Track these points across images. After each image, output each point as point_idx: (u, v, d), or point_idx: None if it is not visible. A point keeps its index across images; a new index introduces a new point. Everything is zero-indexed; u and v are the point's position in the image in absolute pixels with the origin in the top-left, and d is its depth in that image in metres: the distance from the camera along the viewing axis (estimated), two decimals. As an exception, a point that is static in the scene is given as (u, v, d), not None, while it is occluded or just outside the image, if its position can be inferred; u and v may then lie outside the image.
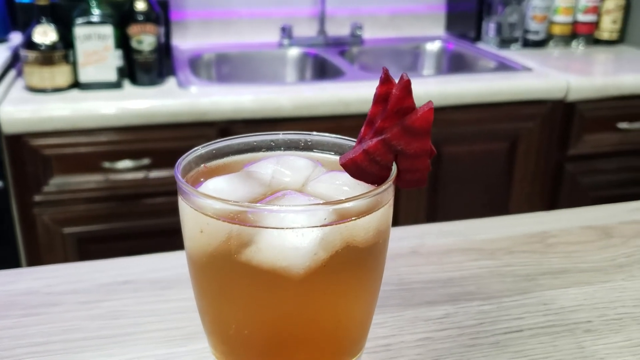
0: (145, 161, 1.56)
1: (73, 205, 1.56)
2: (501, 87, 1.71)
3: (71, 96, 1.55)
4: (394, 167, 0.40)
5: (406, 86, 0.39)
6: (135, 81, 1.66)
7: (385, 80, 0.40)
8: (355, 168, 0.41)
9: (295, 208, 0.38)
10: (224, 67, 2.02)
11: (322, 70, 2.00)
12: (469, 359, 0.50)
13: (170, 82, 1.68)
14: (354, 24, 2.11)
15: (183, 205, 0.39)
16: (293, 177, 0.42)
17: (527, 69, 1.82)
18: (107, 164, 1.54)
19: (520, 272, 0.62)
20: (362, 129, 0.42)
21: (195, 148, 0.44)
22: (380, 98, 0.40)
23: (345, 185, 0.40)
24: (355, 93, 1.62)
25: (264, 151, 0.47)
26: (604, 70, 1.93)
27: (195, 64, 1.92)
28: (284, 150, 0.47)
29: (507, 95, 1.72)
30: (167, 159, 1.58)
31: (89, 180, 1.54)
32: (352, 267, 0.40)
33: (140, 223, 1.62)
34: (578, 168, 1.86)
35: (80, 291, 0.58)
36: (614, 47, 2.11)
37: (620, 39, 2.13)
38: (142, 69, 1.65)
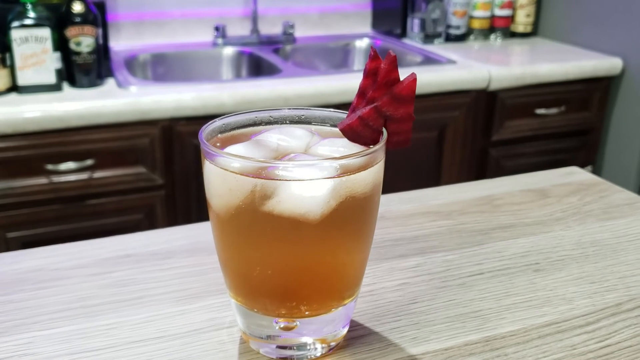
0: (89, 162, 1.58)
1: (17, 209, 1.56)
2: (428, 79, 1.82)
3: (10, 100, 1.55)
4: (384, 131, 0.48)
5: (393, 61, 0.47)
6: (74, 83, 1.67)
7: (374, 57, 0.48)
8: (351, 132, 0.48)
9: (312, 162, 0.45)
10: (159, 67, 2.05)
11: (258, 68, 2.06)
12: (442, 297, 0.59)
13: (110, 83, 1.70)
14: (286, 22, 2.18)
15: (210, 168, 0.46)
16: (296, 143, 0.49)
17: (452, 62, 1.95)
18: (50, 167, 1.54)
19: (475, 228, 0.72)
20: (355, 100, 0.49)
21: (213, 121, 0.50)
22: (370, 72, 0.48)
23: (343, 147, 0.48)
24: (293, 88, 1.69)
25: (263, 125, 0.53)
26: (521, 60, 2.08)
27: (131, 64, 1.94)
28: (281, 124, 0.54)
29: (434, 87, 1.83)
30: (110, 159, 1.60)
31: (32, 183, 1.54)
32: (354, 215, 0.47)
33: (86, 224, 1.63)
34: (501, 152, 2.01)
35: (86, 265, 0.63)
36: (529, 39, 2.28)
37: (534, 31, 2.30)
38: (81, 70, 1.66)
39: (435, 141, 1.92)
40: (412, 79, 0.46)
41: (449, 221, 0.73)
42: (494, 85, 1.88)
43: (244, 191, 0.44)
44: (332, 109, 0.54)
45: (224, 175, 0.45)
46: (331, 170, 0.44)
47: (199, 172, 1.67)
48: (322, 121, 0.54)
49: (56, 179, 1.56)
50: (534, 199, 0.79)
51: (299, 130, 0.51)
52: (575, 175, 0.86)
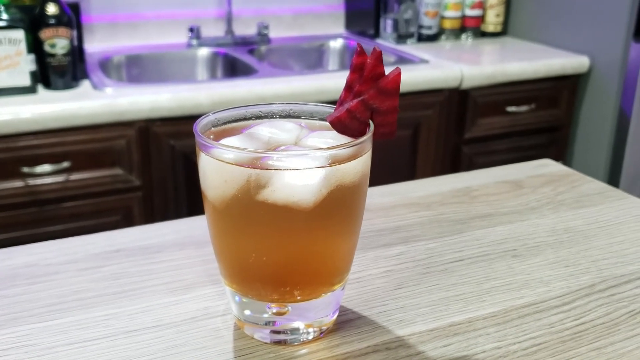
0: (65, 164, 1.58)
1: (-7, 212, 1.55)
2: (402, 79, 1.82)
3: (-16, 102, 1.54)
4: (371, 123, 0.51)
5: (378, 56, 0.49)
6: (49, 85, 1.66)
7: (360, 53, 0.50)
8: (340, 124, 0.50)
9: (305, 152, 0.47)
10: (134, 69, 2.05)
11: (233, 69, 2.08)
12: (425, 283, 0.61)
13: (85, 85, 1.70)
14: (260, 23, 2.20)
15: (207, 160, 0.48)
16: (286, 136, 0.51)
17: (424, 62, 1.98)
18: (25, 169, 1.54)
19: (454, 218, 0.75)
20: (342, 94, 0.52)
21: (206, 115, 0.52)
22: (357, 67, 0.51)
23: (332, 139, 0.50)
24: (270, 88, 1.70)
25: (254, 119, 0.55)
26: (492, 59, 2.13)
27: (106, 66, 1.94)
28: (270, 118, 0.56)
29: (408, 86, 1.86)
30: (86, 161, 1.60)
31: (8, 186, 1.54)
32: (343, 203, 0.49)
33: (63, 227, 1.63)
34: (473, 150, 2.05)
35: (77, 261, 0.65)
36: (499, 38, 2.33)
37: (504, 31, 2.35)
38: (56, 72, 1.66)
39: (410, 139, 1.95)
40: (397, 73, 0.49)
41: (429, 212, 0.76)
42: (466, 84, 1.92)
43: (239, 181, 0.46)
44: (319, 104, 0.56)
45: (220, 166, 0.47)
46: (322, 160, 0.47)
47: (176, 173, 1.68)
48: (310, 115, 0.56)
49: (32, 181, 1.55)
50: (509, 190, 0.82)
51: (288, 124, 0.53)
52: (548, 167, 0.89)
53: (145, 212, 1.70)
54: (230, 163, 0.46)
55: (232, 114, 0.55)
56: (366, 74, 0.49)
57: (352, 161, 0.48)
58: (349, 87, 0.51)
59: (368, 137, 0.49)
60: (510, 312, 0.57)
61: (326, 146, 0.49)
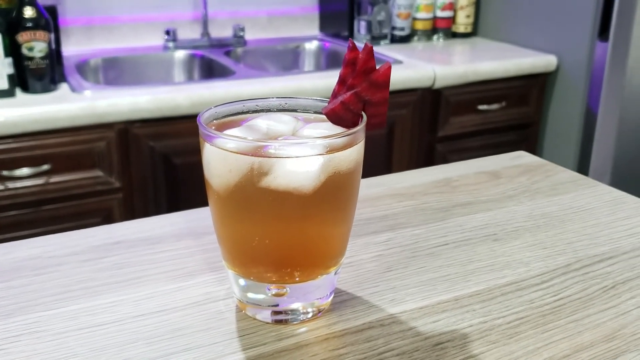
0: (45, 167, 1.58)
1: (-28, 216, 1.55)
2: (377, 78, 1.88)
3: (-38, 106, 1.54)
4: (364, 114, 0.54)
5: (369, 51, 0.53)
6: (26, 89, 1.67)
7: (353, 48, 0.54)
8: (334, 116, 0.54)
9: (304, 141, 0.50)
10: (111, 72, 2.06)
11: (210, 71, 2.10)
12: (413, 265, 0.65)
13: (63, 88, 1.71)
14: (236, 25, 2.23)
15: (211, 150, 0.51)
16: (284, 127, 0.55)
17: (398, 62, 2.03)
18: (5, 173, 1.54)
19: (437, 206, 0.79)
20: (336, 87, 0.55)
21: (207, 109, 0.55)
22: (349, 62, 0.54)
23: (327, 130, 0.54)
24: (248, 89, 1.73)
25: (251, 113, 0.59)
26: (463, 59, 2.19)
27: (83, 69, 1.94)
28: (266, 112, 0.59)
29: (383, 85, 1.90)
30: (66, 163, 1.61)
31: (-13, 190, 1.54)
32: (340, 189, 0.53)
33: (43, 230, 1.64)
34: (447, 147, 2.10)
35: (79, 253, 0.67)
36: (469, 39, 2.39)
37: (474, 31, 2.42)
38: (34, 76, 1.67)
39: (385, 138, 1.99)
40: (387, 66, 0.52)
41: (414, 201, 0.80)
42: (439, 84, 1.97)
43: (243, 169, 0.49)
44: (314, 98, 0.59)
45: (224, 155, 0.50)
46: (320, 148, 0.50)
47: (156, 174, 1.70)
48: (305, 109, 0.59)
49: (11, 184, 1.56)
50: (487, 180, 0.86)
51: (285, 116, 0.57)
52: (523, 158, 0.94)
53: (125, 213, 1.71)
54: (234, 152, 0.49)
55: (230, 108, 0.58)
56: (358, 68, 0.53)
57: (348, 149, 0.52)
58: (342, 80, 0.55)
59: (361, 127, 0.53)
60: (493, 290, 0.61)
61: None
